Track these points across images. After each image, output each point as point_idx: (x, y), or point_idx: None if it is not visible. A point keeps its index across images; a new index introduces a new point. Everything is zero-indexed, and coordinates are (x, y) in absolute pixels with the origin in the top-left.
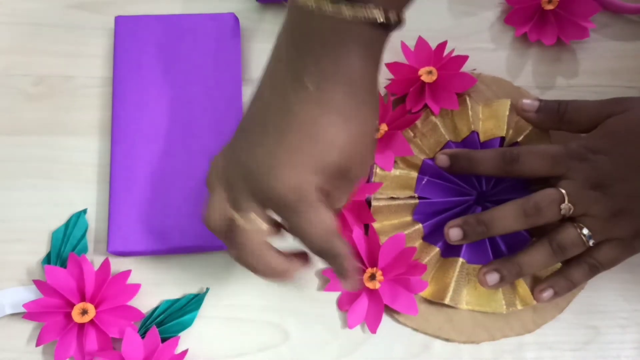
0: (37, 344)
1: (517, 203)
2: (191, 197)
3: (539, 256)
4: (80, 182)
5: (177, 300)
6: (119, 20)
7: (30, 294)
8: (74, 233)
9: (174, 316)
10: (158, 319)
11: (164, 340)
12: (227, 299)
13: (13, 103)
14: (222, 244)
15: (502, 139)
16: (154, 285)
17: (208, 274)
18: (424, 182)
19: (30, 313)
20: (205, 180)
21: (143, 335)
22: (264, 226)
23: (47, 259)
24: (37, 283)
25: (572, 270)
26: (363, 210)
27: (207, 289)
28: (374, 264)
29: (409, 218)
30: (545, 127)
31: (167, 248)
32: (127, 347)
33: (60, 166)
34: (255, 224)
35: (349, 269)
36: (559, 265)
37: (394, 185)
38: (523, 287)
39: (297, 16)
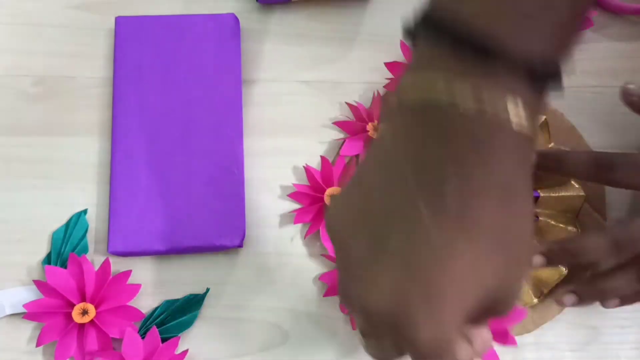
0: (37, 344)
1: (609, 239)
2: (191, 197)
3: (622, 283)
4: (80, 183)
5: (177, 300)
6: (119, 20)
7: (30, 294)
8: (74, 233)
9: (174, 316)
10: (158, 319)
11: (164, 340)
12: (227, 300)
13: (13, 103)
14: (222, 244)
15: None
16: (154, 285)
17: (208, 274)
18: None
19: (31, 313)
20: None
21: (143, 336)
22: None
23: (48, 259)
24: (38, 283)
25: (609, 282)
26: None
27: (208, 289)
28: None
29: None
30: None
31: (167, 248)
32: (127, 348)
33: (60, 166)
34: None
35: None
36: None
37: None
38: (525, 290)
39: (419, 116)
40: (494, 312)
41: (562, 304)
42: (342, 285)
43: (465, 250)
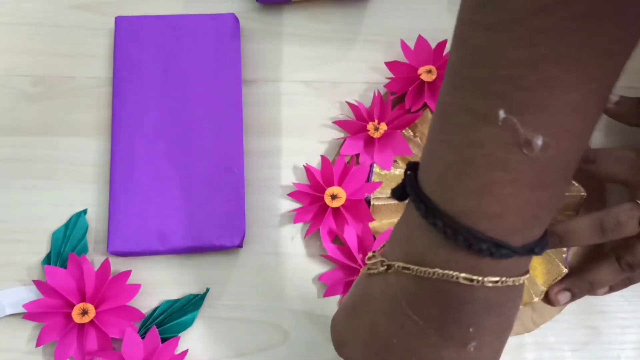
0: (37, 344)
1: (595, 217)
2: (191, 197)
3: (608, 274)
4: (80, 183)
5: (177, 300)
6: (119, 20)
7: (30, 294)
8: (74, 233)
9: (174, 316)
10: (158, 319)
11: (164, 340)
12: (227, 300)
13: (13, 103)
14: (222, 244)
15: None
16: (154, 285)
17: (208, 275)
18: None
19: (31, 313)
20: None
21: (143, 336)
22: None
23: (47, 259)
24: (37, 283)
25: (600, 274)
26: (362, 209)
27: (207, 290)
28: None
29: None
30: (621, 120)
31: (167, 248)
32: (127, 348)
33: (60, 166)
34: None
35: None
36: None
37: (394, 184)
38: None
39: (440, 286)
40: None
41: (557, 304)
42: None
43: None
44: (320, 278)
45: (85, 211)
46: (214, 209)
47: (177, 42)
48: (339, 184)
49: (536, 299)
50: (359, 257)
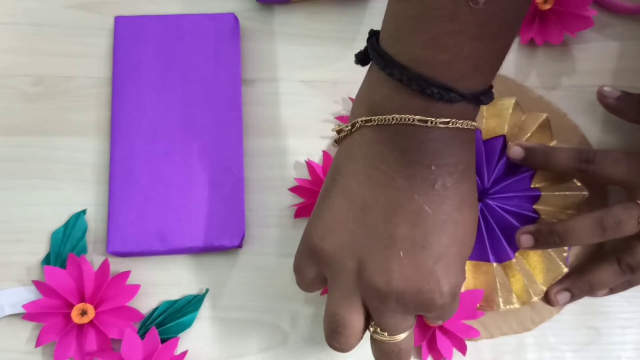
0: (37, 345)
1: (595, 215)
2: (191, 197)
3: (608, 275)
4: (79, 183)
5: (177, 301)
6: (119, 20)
7: (29, 294)
8: (73, 233)
9: (174, 317)
10: (157, 320)
11: (163, 341)
12: (226, 300)
13: (12, 103)
14: (222, 244)
15: (504, 137)
16: (153, 286)
17: (207, 275)
18: None
19: (30, 314)
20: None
21: (142, 336)
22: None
23: (47, 260)
24: (37, 284)
25: (599, 273)
26: None
27: (207, 290)
28: None
29: None
30: (622, 116)
31: (166, 249)
32: (126, 348)
33: (59, 166)
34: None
35: None
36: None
37: None
38: (520, 283)
39: (399, 130)
40: None
41: (556, 304)
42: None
43: (455, 213)
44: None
45: (84, 211)
46: (214, 209)
47: (177, 42)
48: None
49: (535, 298)
50: None
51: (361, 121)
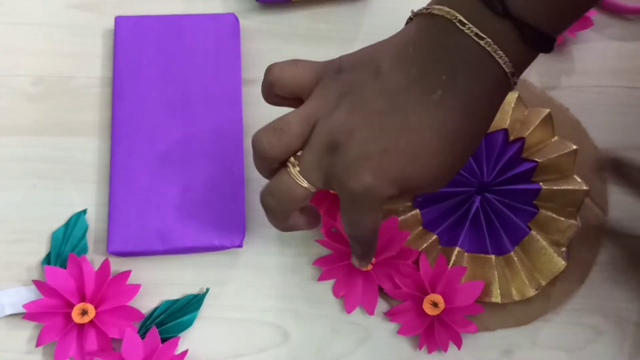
0: (37, 345)
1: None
2: (191, 197)
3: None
4: (80, 183)
5: (177, 300)
6: (119, 20)
7: (30, 294)
8: (73, 233)
9: (174, 317)
10: (158, 320)
11: (163, 340)
12: (226, 300)
13: (13, 103)
14: (222, 244)
15: (506, 131)
16: (153, 285)
17: (208, 275)
18: None
19: (30, 313)
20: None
21: (143, 336)
22: (312, 189)
23: (47, 260)
24: (37, 283)
25: None
26: None
27: (207, 290)
28: None
29: (408, 203)
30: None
31: (166, 248)
32: (127, 348)
33: (60, 166)
34: (302, 180)
35: (370, 257)
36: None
37: None
38: (519, 277)
39: (436, 24)
40: (419, 191)
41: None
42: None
43: (430, 128)
44: (315, 263)
45: (85, 211)
46: (214, 209)
47: (177, 42)
48: None
49: (532, 292)
50: None
51: (419, 10)
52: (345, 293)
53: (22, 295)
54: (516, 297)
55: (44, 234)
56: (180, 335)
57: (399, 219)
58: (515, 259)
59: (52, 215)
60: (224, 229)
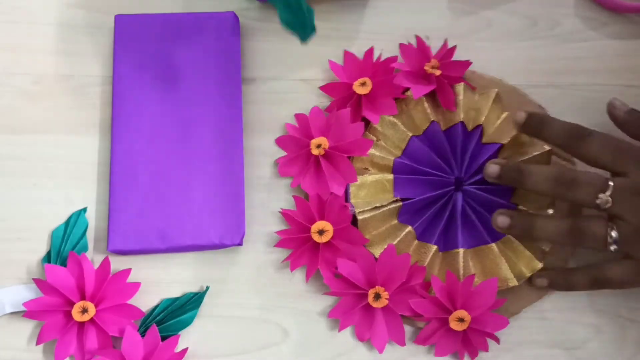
0: (37, 343)
1: (557, 168)
2: (191, 195)
3: (554, 227)
4: (80, 181)
5: (177, 298)
6: (119, 18)
7: (30, 292)
8: (74, 232)
9: (174, 315)
10: (158, 318)
11: (163, 338)
12: (226, 298)
13: (12, 102)
14: (222, 242)
15: (462, 123)
16: (153, 283)
17: (208, 273)
18: (400, 181)
19: (31, 312)
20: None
21: (143, 334)
22: None
23: (47, 258)
24: (37, 282)
25: (574, 276)
26: (352, 233)
27: (207, 288)
28: (374, 283)
29: (395, 221)
30: (623, 128)
31: (167, 247)
32: (127, 346)
33: (60, 165)
34: None
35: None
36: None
37: (374, 191)
38: (524, 255)
39: None
40: None
41: (494, 223)
42: None
43: None
44: (330, 315)
45: (85, 209)
46: (214, 207)
47: (177, 41)
48: (321, 219)
49: (540, 265)
50: (362, 280)
51: None
52: (371, 335)
53: (22, 293)
54: (528, 274)
55: (44, 232)
56: (180, 333)
57: (394, 243)
58: (512, 238)
59: (52, 213)
60: (224, 227)
